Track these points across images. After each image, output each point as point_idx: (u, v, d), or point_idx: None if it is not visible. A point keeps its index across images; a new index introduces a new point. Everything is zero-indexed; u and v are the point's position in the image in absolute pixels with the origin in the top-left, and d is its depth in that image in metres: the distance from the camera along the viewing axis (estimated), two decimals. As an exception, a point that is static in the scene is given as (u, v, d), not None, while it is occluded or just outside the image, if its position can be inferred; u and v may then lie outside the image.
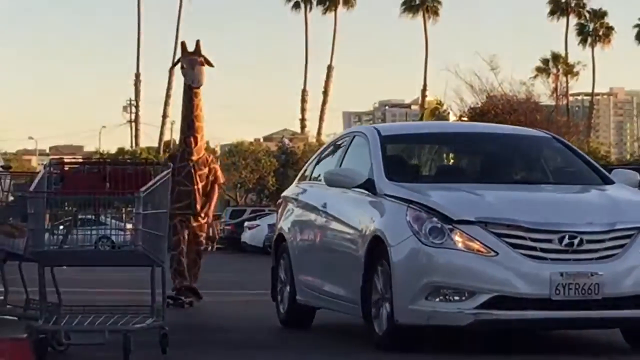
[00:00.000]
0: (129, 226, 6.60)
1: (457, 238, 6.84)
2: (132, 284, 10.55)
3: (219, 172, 11.43)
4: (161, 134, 66.48)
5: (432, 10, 66.83)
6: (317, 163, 9.47)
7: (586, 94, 70.35)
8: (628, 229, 6.92)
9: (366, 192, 7.67)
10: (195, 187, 10.74)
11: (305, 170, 9.86)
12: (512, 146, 8.91)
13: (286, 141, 61.14)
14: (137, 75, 67.41)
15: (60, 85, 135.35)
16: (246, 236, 36.75)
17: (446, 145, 9.17)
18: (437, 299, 6.81)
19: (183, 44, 11.55)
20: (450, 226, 6.86)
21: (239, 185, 55.30)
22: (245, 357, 7.54)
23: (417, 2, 66.93)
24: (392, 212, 7.24)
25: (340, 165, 8.47)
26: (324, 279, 8.26)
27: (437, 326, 6.97)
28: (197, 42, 11.16)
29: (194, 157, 10.93)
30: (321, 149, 10.29)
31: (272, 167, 55.12)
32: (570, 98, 58.56)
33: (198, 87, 11.08)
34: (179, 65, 11.33)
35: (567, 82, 55.14)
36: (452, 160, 9.19)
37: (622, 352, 7.34)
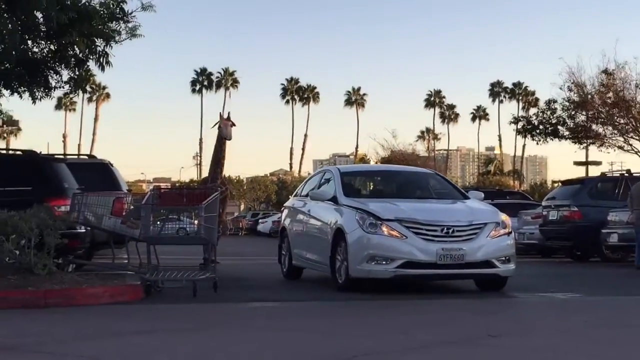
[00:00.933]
0: (195, 222, 10.94)
1: (384, 229, 10.69)
2: (197, 254, 13.26)
3: (227, 192, 14.23)
4: None
5: (360, 104, 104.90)
6: (304, 186, 14.27)
7: (444, 150, 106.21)
8: (479, 224, 10.90)
9: (332, 203, 11.82)
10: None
11: (297, 191, 14.77)
12: (412, 177, 13.77)
13: (281, 176, 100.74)
14: (200, 140, 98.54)
15: (159, 140, 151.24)
16: (259, 227, 57.88)
17: (376, 177, 14.57)
18: (373, 263, 10.62)
19: (220, 114, 14.92)
20: (380, 222, 10.73)
21: (255, 199, 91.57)
22: (261, 292, 11.55)
23: (354, 99, 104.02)
24: (347, 214, 11.18)
25: (319, 188, 12.82)
26: (308, 251, 12.60)
27: (373, 279, 10.76)
28: (229, 113, 14.75)
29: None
30: (306, 178, 15.66)
31: (274, 189, 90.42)
32: (436, 152, 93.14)
33: (229, 140, 14.59)
34: (217, 125, 14.58)
35: (434, 144, 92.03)
36: (379, 185, 13.75)
37: (475, 292, 11.39)
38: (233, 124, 14.62)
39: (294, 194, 14.94)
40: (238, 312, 9.24)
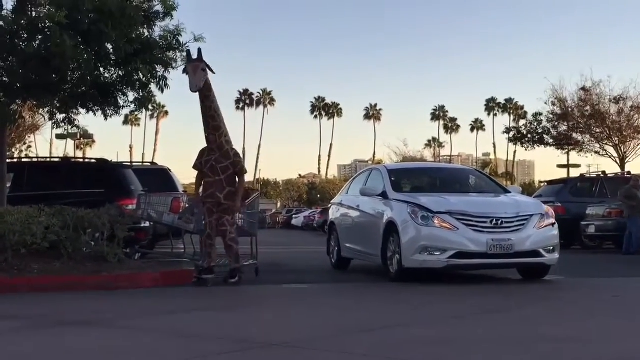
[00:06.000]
0: (241, 218, 10.35)
1: (436, 221, 9.60)
2: (244, 245, 11.96)
3: (241, 165, 9.62)
4: (255, 175, 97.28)
5: (377, 117, 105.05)
6: (350, 185, 13.07)
7: (447, 155, 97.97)
8: (525, 215, 9.76)
9: (382, 198, 10.66)
10: (218, 178, 9.39)
11: (343, 189, 13.61)
12: (455, 173, 12.80)
13: (311, 178, 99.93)
14: (243, 150, 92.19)
15: None
16: (293, 221, 55.02)
17: (421, 174, 12.90)
18: (426, 254, 9.55)
19: (188, 52, 9.95)
20: (432, 214, 9.64)
21: (289, 198, 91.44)
22: (294, 275, 11.30)
23: (371, 113, 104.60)
24: (398, 208, 10.05)
25: (366, 185, 11.69)
26: (358, 244, 11.49)
27: (426, 268, 9.67)
28: (199, 50, 9.54)
29: (214, 152, 9.49)
30: (352, 178, 13.97)
31: (305, 189, 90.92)
32: (441, 157, 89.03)
33: (195, 92, 9.34)
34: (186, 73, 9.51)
35: (439, 151, 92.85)
36: (424, 181, 12.16)
37: (519, 281, 10.23)
38: (208, 69, 9.47)
39: (341, 191, 13.80)
40: (275, 292, 9.22)
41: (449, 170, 13.33)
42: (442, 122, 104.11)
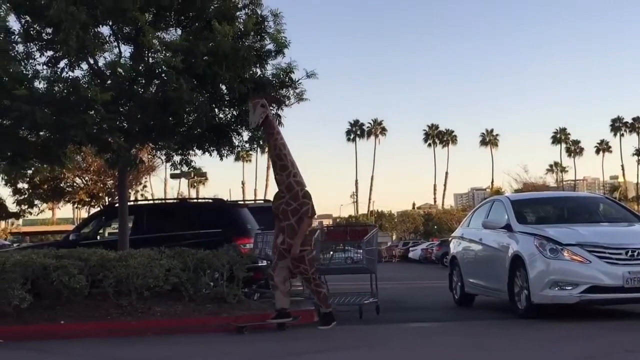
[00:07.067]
0: (359, 252, 10.49)
1: (566, 254, 9.23)
2: (362, 281, 11.99)
3: (307, 207, 9.03)
4: (368, 207, 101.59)
5: (494, 143, 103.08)
6: (471, 217, 12.80)
7: (571, 180, 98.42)
8: None
9: (506, 230, 10.43)
10: (287, 222, 9.03)
11: (464, 221, 13.30)
12: (583, 202, 12.18)
13: (427, 209, 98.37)
14: (356, 181, 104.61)
15: (321, 182, 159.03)
16: (410, 254, 54.99)
17: (546, 204, 12.15)
18: (556, 288, 9.18)
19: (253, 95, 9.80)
20: (561, 247, 9.28)
21: (405, 230, 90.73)
22: (436, 317, 10.92)
23: (488, 139, 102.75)
24: (524, 241, 9.79)
25: (488, 217, 11.46)
26: (482, 279, 11.22)
27: (556, 304, 9.33)
28: (269, 92, 9.62)
29: (284, 194, 9.16)
30: (473, 209, 13.74)
31: (421, 221, 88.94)
32: (564, 183, 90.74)
33: (254, 129, 9.61)
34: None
35: (562, 176, 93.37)
36: (550, 212, 11.50)
37: None
38: (273, 100, 9.57)
39: (461, 224, 13.54)
40: (400, 331, 9.11)
41: (577, 199, 12.91)
42: (564, 146, 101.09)
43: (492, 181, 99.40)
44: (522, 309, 9.57)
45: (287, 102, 11.48)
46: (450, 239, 14.36)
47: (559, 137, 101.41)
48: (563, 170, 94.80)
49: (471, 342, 7.84)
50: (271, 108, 11.42)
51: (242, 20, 11.25)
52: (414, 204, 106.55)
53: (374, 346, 7.79)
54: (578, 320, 9.28)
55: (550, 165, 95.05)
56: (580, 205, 11.85)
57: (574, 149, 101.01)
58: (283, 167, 9.10)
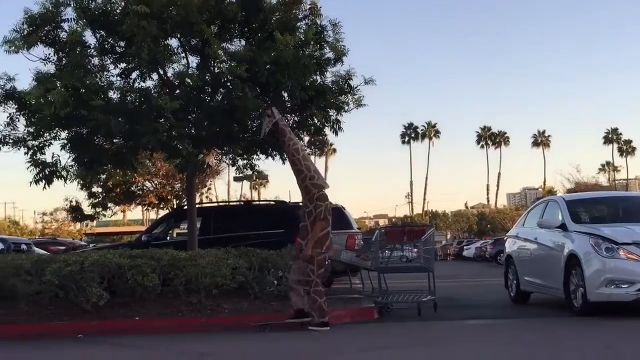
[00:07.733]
0: (415, 251, 10.71)
1: (622, 252, 9.31)
2: (419, 279, 12.18)
3: (321, 209, 8.99)
4: (423, 207, 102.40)
5: (545, 144, 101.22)
6: (526, 217, 12.90)
7: (624, 179, 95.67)
8: None
9: (561, 230, 10.53)
10: (303, 223, 9.14)
11: (519, 221, 13.44)
12: (638, 202, 12.08)
13: (480, 209, 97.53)
14: (411, 183, 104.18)
15: (377, 184, 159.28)
16: (465, 253, 55.18)
17: (601, 203, 12.24)
18: (612, 287, 9.25)
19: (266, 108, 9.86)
20: (617, 246, 9.35)
21: (459, 229, 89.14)
22: (493, 314, 10.90)
23: (539, 140, 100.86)
24: (579, 240, 9.87)
25: (542, 217, 11.56)
26: (538, 277, 11.33)
27: (613, 302, 9.35)
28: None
29: (303, 199, 9.28)
30: (527, 209, 13.80)
31: (475, 220, 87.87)
32: (616, 182, 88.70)
33: (262, 138, 9.99)
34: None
35: (614, 175, 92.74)
36: (605, 211, 11.60)
37: None
38: (270, 114, 9.42)
39: (516, 224, 13.75)
40: (460, 328, 9.31)
41: (631, 199, 12.85)
42: (615, 145, 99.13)
43: (544, 181, 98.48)
44: (578, 306, 9.67)
45: (346, 108, 11.84)
46: (505, 238, 14.53)
47: (611, 137, 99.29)
48: (615, 169, 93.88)
49: (532, 340, 7.97)
50: (331, 114, 11.84)
51: (302, 31, 11.62)
52: (466, 204, 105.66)
53: (432, 344, 7.99)
54: (634, 318, 9.32)
55: (602, 165, 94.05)
56: (634, 204, 11.83)
57: (626, 149, 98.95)
58: (298, 171, 9.29)
